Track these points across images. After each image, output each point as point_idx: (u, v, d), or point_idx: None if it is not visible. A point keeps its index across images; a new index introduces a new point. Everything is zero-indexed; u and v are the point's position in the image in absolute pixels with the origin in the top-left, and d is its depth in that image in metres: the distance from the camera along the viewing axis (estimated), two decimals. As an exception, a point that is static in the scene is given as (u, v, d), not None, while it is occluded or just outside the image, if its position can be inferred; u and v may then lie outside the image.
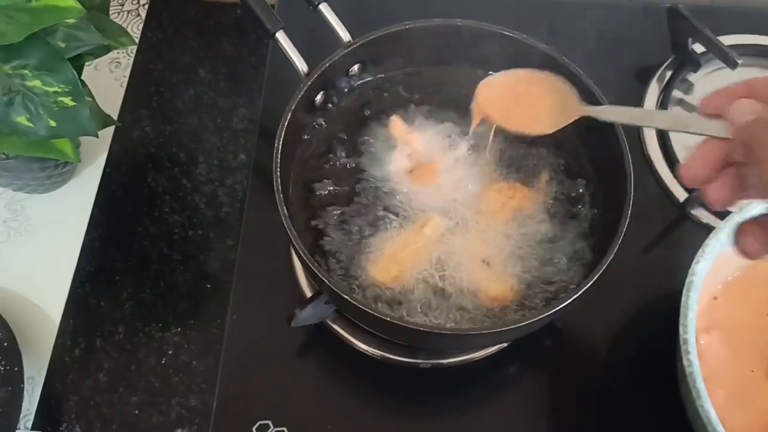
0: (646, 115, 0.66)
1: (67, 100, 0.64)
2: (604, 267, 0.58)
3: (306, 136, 0.71)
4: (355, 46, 0.69)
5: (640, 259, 0.79)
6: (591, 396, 0.72)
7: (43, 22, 0.62)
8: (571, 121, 0.63)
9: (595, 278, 0.58)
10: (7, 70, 0.63)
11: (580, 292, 0.58)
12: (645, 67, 0.90)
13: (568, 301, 0.57)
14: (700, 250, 0.64)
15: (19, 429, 0.73)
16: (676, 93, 0.88)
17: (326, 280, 0.58)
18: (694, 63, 0.88)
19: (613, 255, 0.59)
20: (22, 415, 0.73)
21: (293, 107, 0.64)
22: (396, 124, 0.71)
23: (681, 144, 0.84)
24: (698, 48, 0.88)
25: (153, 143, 0.91)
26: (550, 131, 0.64)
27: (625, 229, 0.60)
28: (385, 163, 0.70)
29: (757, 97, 0.47)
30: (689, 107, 0.88)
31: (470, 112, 0.67)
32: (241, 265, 0.77)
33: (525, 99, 0.66)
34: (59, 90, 0.63)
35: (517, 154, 0.71)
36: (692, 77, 0.89)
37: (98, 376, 0.78)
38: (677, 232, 0.81)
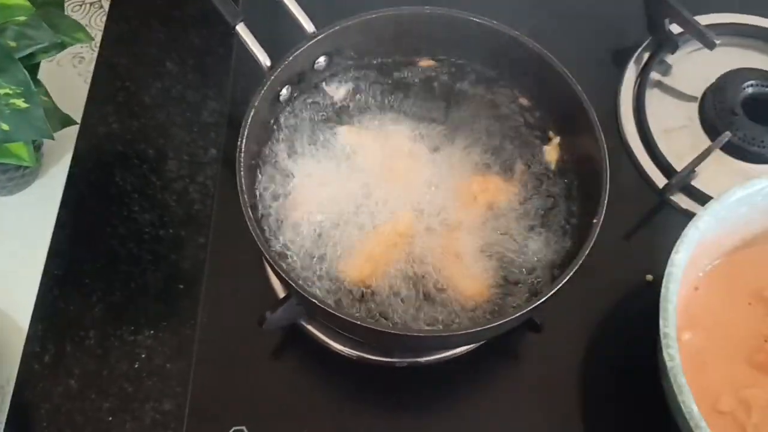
0: None
1: (19, 102, 0.61)
2: (580, 262, 0.57)
3: (272, 132, 0.69)
4: (319, 37, 0.67)
5: (620, 245, 0.78)
6: (572, 390, 0.71)
7: (-9, 21, 0.59)
8: None
9: (570, 273, 0.57)
10: (-45, 72, 0.60)
11: (556, 288, 0.56)
12: (621, 50, 0.89)
13: (544, 298, 0.56)
14: (679, 240, 0.63)
15: (-11, 439, 0.71)
16: (654, 75, 0.86)
17: (294, 285, 0.56)
18: (671, 44, 0.86)
19: (588, 250, 0.57)
20: (-9, 426, 0.72)
21: (256, 104, 0.62)
22: (348, 132, 0.69)
23: (659, 127, 0.83)
24: (675, 29, 0.86)
25: (120, 140, 0.89)
26: None
27: (600, 223, 0.59)
28: (355, 161, 0.68)
29: None
30: (667, 89, 0.86)
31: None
32: (211, 265, 0.75)
33: None
34: (10, 92, 0.61)
35: (490, 146, 0.69)
36: (670, 59, 0.88)
37: (69, 382, 0.76)
38: (657, 218, 0.80)
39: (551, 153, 0.69)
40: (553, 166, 0.68)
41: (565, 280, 0.57)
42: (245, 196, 0.58)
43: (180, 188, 0.86)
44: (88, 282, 0.80)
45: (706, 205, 0.64)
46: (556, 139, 0.69)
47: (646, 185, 0.81)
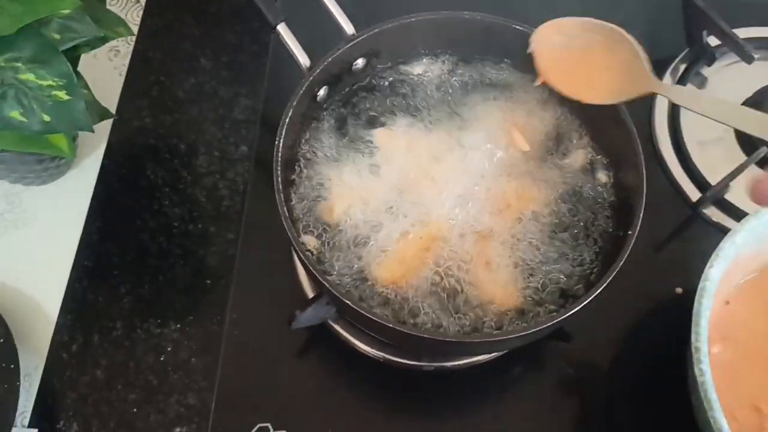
0: (733, 112, 0.54)
1: (62, 94, 0.62)
2: (613, 274, 0.57)
3: (308, 133, 0.69)
4: (359, 39, 0.67)
5: (651, 258, 0.77)
6: (598, 401, 0.71)
7: (37, 13, 0.59)
8: (639, 95, 0.56)
9: (603, 285, 0.57)
10: (0, 62, 0.61)
11: (588, 299, 0.56)
12: (658, 60, 0.86)
13: (575, 309, 0.56)
14: (714, 254, 0.62)
15: (15, 426, 0.72)
16: (690, 87, 0.86)
17: (327, 284, 0.56)
18: (708, 56, 0.85)
19: (622, 262, 0.57)
20: (18, 413, 0.72)
21: (294, 104, 0.62)
22: (383, 135, 0.69)
23: (694, 139, 0.82)
24: (713, 41, 0.85)
25: (152, 134, 0.89)
26: (614, 101, 0.57)
27: (635, 236, 0.58)
28: (389, 164, 0.68)
29: None
30: (703, 102, 0.85)
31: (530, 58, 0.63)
32: (241, 262, 0.75)
33: (589, 59, 0.58)
34: (53, 83, 0.61)
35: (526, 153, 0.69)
36: (706, 71, 0.87)
37: (96, 372, 0.76)
38: (689, 231, 0.80)
39: (590, 171, 0.68)
40: (590, 182, 0.68)
41: (598, 291, 0.57)
42: (281, 195, 0.58)
43: (210, 184, 0.86)
44: (117, 274, 0.81)
45: (744, 220, 0.63)
46: (594, 155, 0.69)
47: (678, 197, 0.80)
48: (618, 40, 0.57)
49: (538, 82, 0.61)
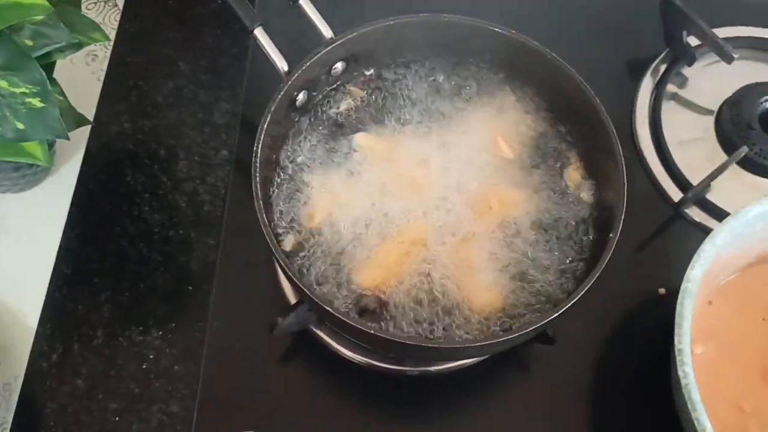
0: None
1: (36, 101, 0.61)
2: (595, 277, 0.57)
3: (287, 138, 0.69)
4: (337, 43, 0.66)
5: (634, 258, 0.77)
6: (582, 402, 0.71)
7: (8, 20, 0.59)
8: None
9: (586, 288, 0.56)
10: (-29, 70, 0.60)
11: (570, 303, 0.56)
12: (638, 61, 0.88)
13: (558, 313, 0.56)
14: (696, 255, 0.62)
15: (-5, 438, 0.71)
16: (671, 87, 0.86)
17: (308, 292, 0.56)
18: (688, 56, 0.85)
19: (604, 265, 0.57)
20: (-2, 424, 0.71)
21: (273, 109, 0.62)
22: (363, 139, 0.69)
23: (674, 138, 0.82)
24: (693, 41, 0.85)
25: (131, 139, 0.88)
26: None
27: (617, 238, 0.58)
28: (369, 168, 0.67)
29: None
30: (683, 101, 0.85)
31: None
32: (222, 268, 0.75)
33: None
34: (27, 91, 0.61)
35: (507, 156, 0.69)
36: (687, 71, 0.87)
37: (76, 382, 0.75)
38: (670, 231, 0.80)
39: (571, 174, 0.68)
40: (570, 184, 0.68)
41: (581, 294, 0.56)
42: (260, 202, 0.58)
43: (190, 189, 0.85)
44: (96, 281, 0.80)
45: (724, 221, 0.63)
46: (575, 157, 0.69)
47: (659, 197, 0.80)
48: None
49: None
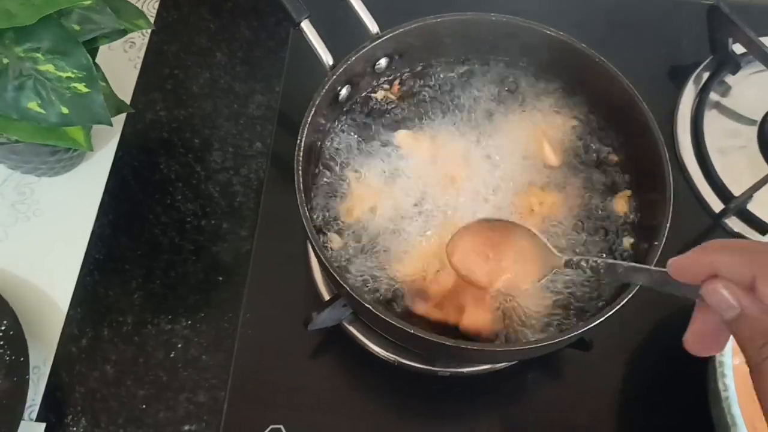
0: (624, 270, 0.50)
1: (81, 86, 0.61)
2: (635, 290, 0.56)
3: (329, 132, 0.68)
4: (383, 38, 0.66)
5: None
6: (614, 409, 0.70)
7: (58, 4, 0.58)
8: (549, 273, 0.57)
9: (628, 298, 0.56)
10: (19, 53, 0.60)
11: (610, 312, 0.55)
12: (681, 67, 0.87)
13: (599, 320, 0.55)
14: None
15: (23, 420, 0.71)
16: (713, 95, 0.85)
17: (347, 287, 0.55)
18: (733, 64, 0.84)
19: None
20: (26, 406, 0.71)
21: (317, 102, 0.61)
22: (405, 136, 0.68)
23: (716, 146, 0.81)
24: (738, 49, 0.84)
25: (166, 128, 0.88)
26: (533, 285, 0.59)
27: (661, 247, 0.57)
28: (411, 165, 0.67)
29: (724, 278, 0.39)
30: (726, 110, 0.84)
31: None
32: (255, 261, 0.74)
33: (501, 251, 0.60)
34: (72, 75, 0.60)
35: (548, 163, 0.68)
36: (730, 79, 0.86)
37: (105, 367, 0.75)
38: (708, 240, 0.78)
39: (614, 177, 0.68)
40: (615, 187, 0.67)
41: (621, 304, 0.56)
42: (302, 195, 0.57)
43: (224, 180, 0.85)
44: (128, 268, 0.80)
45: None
46: (620, 163, 0.68)
47: (698, 205, 0.79)
48: (514, 230, 0.59)
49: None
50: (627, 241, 0.65)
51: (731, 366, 0.57)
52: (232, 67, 0.93)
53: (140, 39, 0.94)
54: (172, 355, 0.76)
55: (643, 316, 0.73)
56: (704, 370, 0.66)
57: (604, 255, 0.64)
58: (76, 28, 0.62)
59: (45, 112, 0.61)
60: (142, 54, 0.93)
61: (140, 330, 0.77)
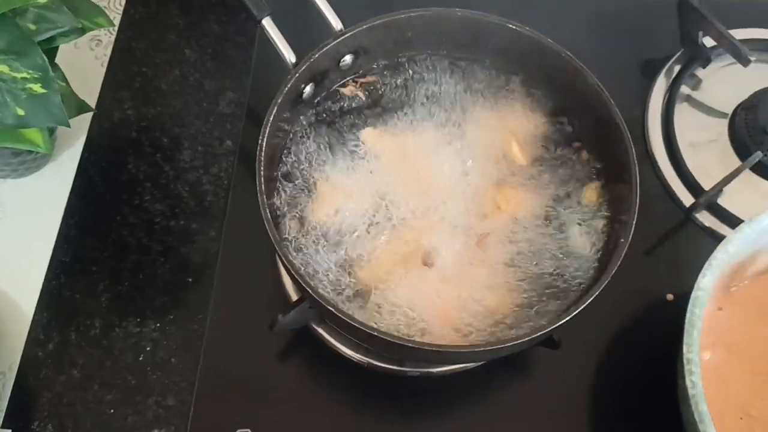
0: None
1: (37, 87, 0.59)
2: (605, 283, 0.56)
3: (293, 131, 0.67)
4: (346, 35, 0.65)
5: (642, 262, 0.76)
6: (584, 407, 0.70)
7: (12, 3, 0.57)
8: None
9: (595, 294, 0.55)
10: (-28, 53, 0.58)
11: (579, 308, 0.55)
12: (652, 61, 0.87)
13: (567, 318, 0.55)
14: (707, 264, 0.61)
15: (-12, 426, 0.70)
16: (684, 89, 0.84)
17: (311, 291, 0.54)
18: (703, 58, 0.84)
19: (614, 271, 0.56)
20: (-9, 412, 0.70)
21: (279, 101, 0.60)
22: (371, 134, 0.67)
23: (687, 141, 0.81)
24: (708, 42, 0.84)
25: (134, 127, 0.87)
26: None
27: (627, 244, 0.57)
28: (377, 164, 0.66)
29: None
30: (697, 104, 0.84)
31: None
32: (223, 262, 0.73)
33: None
34: (28, 76, 0.59)
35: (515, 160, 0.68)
36: (701, 73, 0.86)
37: (72, 372, 0.74)
38: (680, 236, 0.78)
39: (582, 175, 0.67)
40: (581, 186, 0.67)
41: (590, 300, 0.55)
42: (264, 196, 0.56)
43: (193, 179, 0.84)
44: (95, 270, 0.79)
45: (737, 228, 0.62)
46: (587, 158, 0.67)
47: (670, 200, 0.79)
48: None
49: None
50: (595, 236, 0.64)
51: (698, 364, 0.57)
52: (201, 63, 0.92)
53: (107, 37, 0.92)
54: (140, 358, 0.75)
55: (613, 313, 0.73)
56: (674, 367, 0.66)
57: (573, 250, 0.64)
58: (32, 27, 0.61)
59: (0, 114, 0.59)
60: (109, 52, 0.91)
61: (108, 333, 0.76)
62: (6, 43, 0.59)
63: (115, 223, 0.81)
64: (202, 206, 0.82)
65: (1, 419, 0.72)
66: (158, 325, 0.76)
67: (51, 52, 0.64)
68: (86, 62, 0.90)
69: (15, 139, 0.64)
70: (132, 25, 0.93)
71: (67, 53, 0.74)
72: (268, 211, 0.56)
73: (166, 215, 0.82)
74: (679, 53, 0.86)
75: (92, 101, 0.85)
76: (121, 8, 0.94)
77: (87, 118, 0.86)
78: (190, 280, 0.78)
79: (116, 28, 0.92)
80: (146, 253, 0.80)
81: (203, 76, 0.91)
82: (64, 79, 0.66)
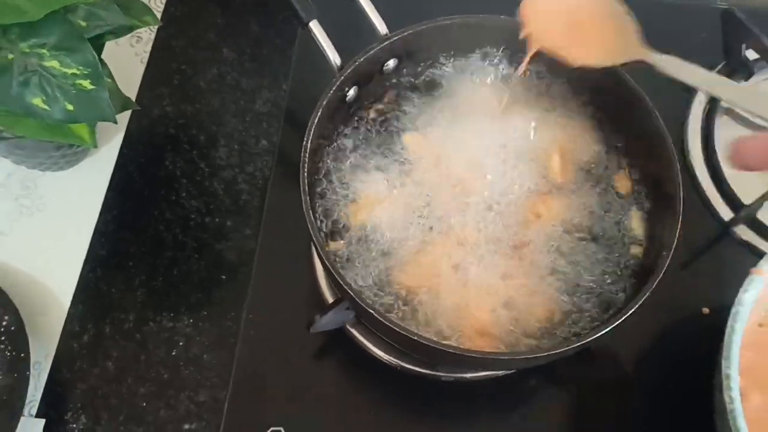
0: (715, 81, 0.54)
1: (86, 83, 0.60)
2: (645, 296, 0.55)
3: (335, 133, 0.68)
4: (392, 40, 0.65)
5: (678, 275, 0.75)
6: (617, 419, 0.69)
7: (64, 0, 0.58)
8: (629, 60, 0.55)
9: (635, 307, 0.55)
10: (24, 48, 0.59)
11: (616, 323, 0.55)
12: (694, 72, 0.86)
13: (606, 330, 0.54)
14: (749, 278, 0.60)
15: (23, 416, 0.71)
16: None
17: (351, 292, 0.55)
18: (746, 70, 0.83)
19: (654, 285, 0.55)
20: (27, 402, 0.71)
21: (324, 103, 0.61)
22: (412, 139, 0.68)
23: (726, 155, 0.80)
24: (751, 54, 0.83)
25: (172, 123, 0.88)
26: (603, 63, 0.56)
27: (669, 259, 0.56)
28: (417, 169, 0.66)
29: None
30: (737, 117, 0.83)
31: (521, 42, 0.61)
32: (260, 260, 0.74)
33: (579, 21, 0.57)
34: (78, 72, 0.60)
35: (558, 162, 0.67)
36: (743, 85, 0.85)
37: (106, 364, 0.75)
38: (717, 250, 0.78)
39: (621, 180, 0.67)
40: (622, 191, 0.66)
41: (628, 314, 0.55)
42: (307, 197, 0.57)
43: (229, 177, 0.85)
44: (131, 265, 0.80)
45: (780, 244, 0.61)
46: (626, 167, 0.67)
47: (708, 214, 0.78)
48: (609, 4, 0.56)
49: (522, 35, 0.59)
50: (635, 249, 0.64)
51: (737, 380, 0.57)
52: (239, 63, 0.92)
53: (147, 34, 0.93)
54: (173, 353, 0.75)
55: (648, 326, 0.73)
56: (710, 379, 0.65)
57: (613, 262, 0.63)
58: (83, 24, 0.62)
59: (49, 109, 0.60)
60: (149, 49, 0.92)
61: (142, 327, 0.77)
62: (57, 39, 0.60)
63: (151, 219, 0.82)
64: (237, 204, 0.83)
65: (36, 409, 0.73)
66: (192, 320, 0.77)
67: (99, 49, 0.65)
68: (126, 59, 0.91)
69: (63, 134, 0.64)
70: (172, 23, 0.94)
71: (107, 50, 0.75)
72: (311, 212, 0.56)
73: (202, 212, 0.83)
74: (721, 65, 0.85)
75: (132, 97, 0.87)
76: (162, 6, 0.95)
77: (126, 114, 0.87)
78: (224, 277, 0.79)
79: (157, 26, 0.93)
80: (182, 249, 0.80)
81: (240, 76, 0.91)
82: (111, 76, 0.67)
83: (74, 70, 0.60)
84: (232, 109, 0.89)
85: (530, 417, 0.69)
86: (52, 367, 0.75)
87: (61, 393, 0.74)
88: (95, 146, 0.67)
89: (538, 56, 0.66)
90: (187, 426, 0.72)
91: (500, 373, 0.69)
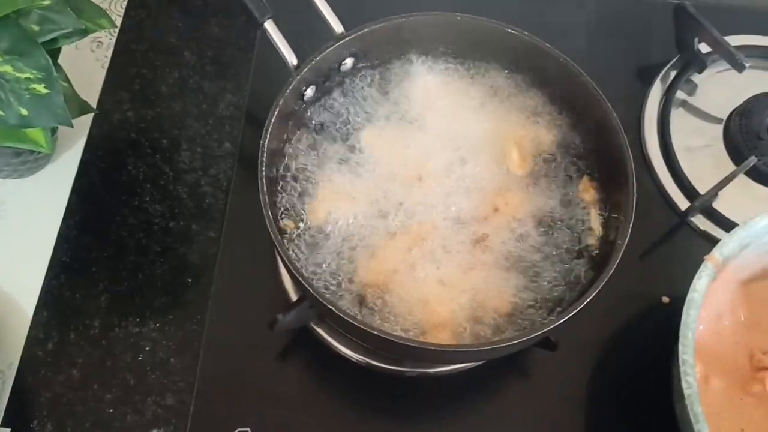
0: None
1: (40, 87, 0.60)
2: (601, 285, 0.56)
3: (294, 132, 0.68)
4: (348, 38, 0.66)
5: (637, 265, 0.77)
6: (581, 410, 0.70)
7: (15, 4, 0.57)
8: None
9: (591, 296, 0.56)
10: (-24, 54, 0.59)
11: (576, 310, 0.56)
12: (648, 67, 0.88)
13: (563, 319, 0.55)
14: (702, 265, 0.62)
15: (-13, 425, 0.70)
16: (680, 94, 0.85)
17: (312, 290, 0.55)
18: (699, 63, 0.85)
19: (610, 273, 0.57)
20: (-9, 411, 0.71)
21: (280, 103, 0.61)
22: (371, 136, 0.68)
23: (682, 145, 0.82)
24: (704, 48, 0.85)
25: (134, 128, 0.87)
26: None
27: (624, 246, 0.57)
28: (376, 165, 0.67)
29: None
30: (692, 109, 0.85)
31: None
32: (222, 262, 0.74)
33: None
34: (31, 76, 0.59)
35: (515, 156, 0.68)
36: (697, 78, 0.87)
37: (71, 371, 0.74)
38: (674, 239, 0.79)
39: (578, 173, 0.68)
40: (579, 184, 0.67)
41: (585, 302, 0.56)
42: (266, 197, 0.57)
43: (192, 180, 0.84)
44: (95, 270, 0.79)
45: (732, 231, 0.63)
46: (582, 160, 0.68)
47: (665, 204, 0.80)
48: None
49: None
50: (592, 240, 0.65)
51: (694, 365, 0.58)
52: (201, 66, 0.92)
53: (107, 38, 0.93)
54: (139, 358, 0.75)
55: (609, 315, 0.74)
56: (669, 368, 0.66)
57: (570, 252, 0.64)
58: (35, 28, 0.61)
59: (3, 114, 0.60)
60: (109, 53, 0.91)
61: (107, 333, 0.76)
62: (9, 44, 0.59)
63: (114, 224, 0.81)
64: (201, 208, 0.83)
65: (1, 418, 0.72)
66: (157, 325, 0.76)
67: (54, 53, 0.65)
68: (87, 64, 0.90)
69: (18, 138, 0.64)
70: (133, 27, 0.94)
71: (67, 55, 0.74)
72: (269, 210, 0.56)
73: (165, 216, 0.82)
74: (675, 59, 0.87)
75: (93, 102, 0.86)
76: (123, 11, 0.95)
77: (87, 119, 0.86)
78: (189, 280, 0.79)
79: (117, 30, 0.93)
80: (145, 253, 0.80)
81: (202, 79, 0.91)
82: (67, 80, 0.67)
83: (28, 75, 0.59)
84: (194, 112, 0.89)
85: (496, 409, 0.70)
86: (16, 375, 0.74)
87: (27, 401, 0.73)
88: (52, 151, 0.66)
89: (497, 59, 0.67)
90: (154, 431, 0.72)
91: (464, 366, 0.69)
